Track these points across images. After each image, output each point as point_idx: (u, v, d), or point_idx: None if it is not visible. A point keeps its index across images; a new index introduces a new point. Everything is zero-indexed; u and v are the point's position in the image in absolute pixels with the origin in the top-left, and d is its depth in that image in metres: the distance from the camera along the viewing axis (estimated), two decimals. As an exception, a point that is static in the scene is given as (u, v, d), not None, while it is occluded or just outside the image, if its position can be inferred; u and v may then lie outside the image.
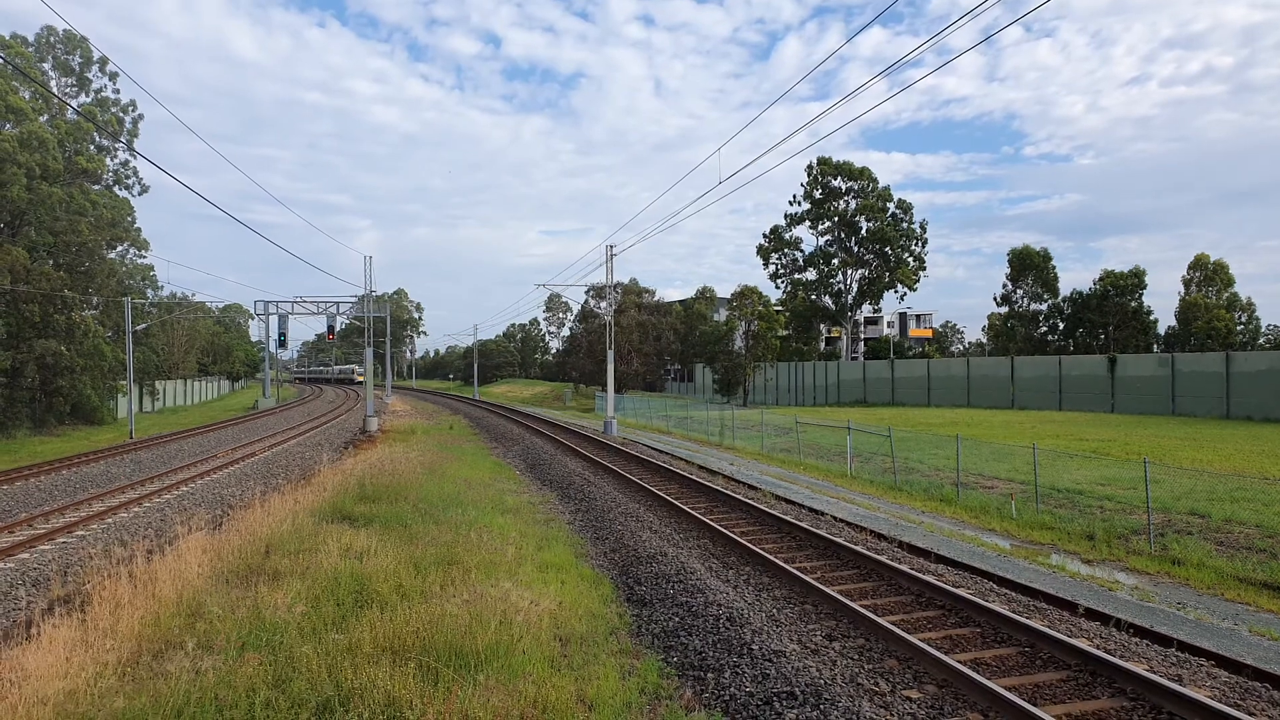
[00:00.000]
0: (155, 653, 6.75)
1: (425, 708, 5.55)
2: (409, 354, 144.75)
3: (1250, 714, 6.23)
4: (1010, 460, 20.93)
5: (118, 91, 45.57)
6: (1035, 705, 6.23)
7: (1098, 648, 7.49)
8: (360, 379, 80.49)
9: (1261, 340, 52.16)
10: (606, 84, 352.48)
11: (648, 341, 73.34)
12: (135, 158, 46.73)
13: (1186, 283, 52.50)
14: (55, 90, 42.67)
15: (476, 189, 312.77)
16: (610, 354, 37.03)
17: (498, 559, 10.15)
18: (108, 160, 44.94)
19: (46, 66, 43.24)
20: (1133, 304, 51.57)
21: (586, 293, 71.76)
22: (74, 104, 42.74)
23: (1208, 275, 51.60)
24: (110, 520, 15.40)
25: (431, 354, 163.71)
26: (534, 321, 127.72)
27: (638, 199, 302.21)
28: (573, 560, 11.26)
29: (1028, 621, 7.96)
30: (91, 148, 42.81)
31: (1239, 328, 50.37)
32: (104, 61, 44.28)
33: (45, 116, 39.57)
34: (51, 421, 38.03)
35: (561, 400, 72.91)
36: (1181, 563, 11.42)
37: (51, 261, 37.43)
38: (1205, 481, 16.43)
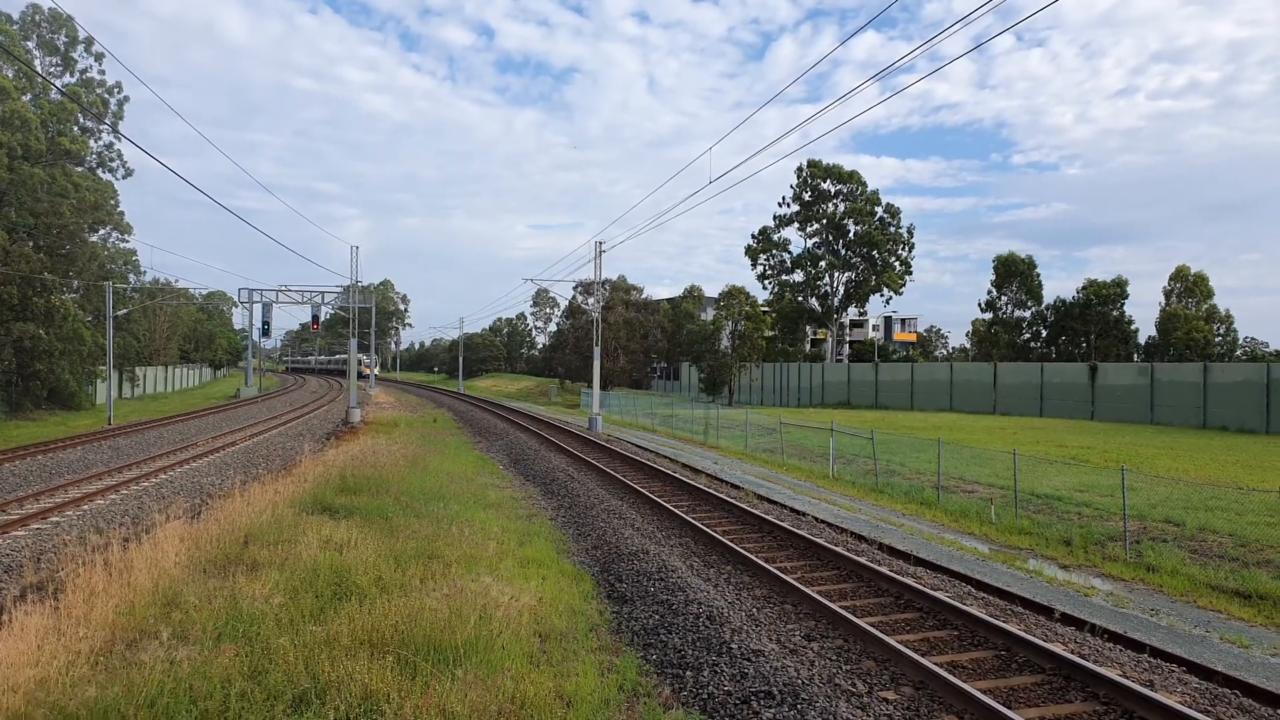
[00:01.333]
0: (129, 642, 6.67)
1: (403, 701, 5.52)
2: (394, 346, 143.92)
3: (1219, 720, 6.34)
4: (991, 465, 21.12)
5: (103, 72, 44.84)
6: (1010, 708, 6.30)
7: (1072, 652, 7.59)
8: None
9: (1238, 352, 52.79)
10: (601, 79, 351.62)
11: (635, 339, 73.22)
12: (120, 140, 46.05)
13: (1167, 294, 53.12)
14: (39, 69, 41.95)
15: (468, 179, 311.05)
16: (597, 350, 37.00)
17: (479, 553, 10.12)
18: (91, 142, 44.24)
19: (31, 45, 42.50)
20: (1114, 313, 52.14)
21: (574, 289, 71.67)
22: (58, 84, 42.05)
23: (1188, 287, 52.22)
24: (86, 507, 15.20)
25: (416, 346, 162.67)
26: (521, 316, 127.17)
27: (630, 195, 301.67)
28: (554, 556, 11.24)
29: (1004, 625, 8.04)
30: (75, 129, 42.12)
31: (1217, 339, 51.00)
32: (90, 41, 43.58)
33: (28, 96, 38.90)
34: (28, 406, 37.45)
35: (547, 396, 72.66)
36: (1156, 569, 11.58)
37: (31, 243, 36.80)
38: (1181, 490, 16.66)
